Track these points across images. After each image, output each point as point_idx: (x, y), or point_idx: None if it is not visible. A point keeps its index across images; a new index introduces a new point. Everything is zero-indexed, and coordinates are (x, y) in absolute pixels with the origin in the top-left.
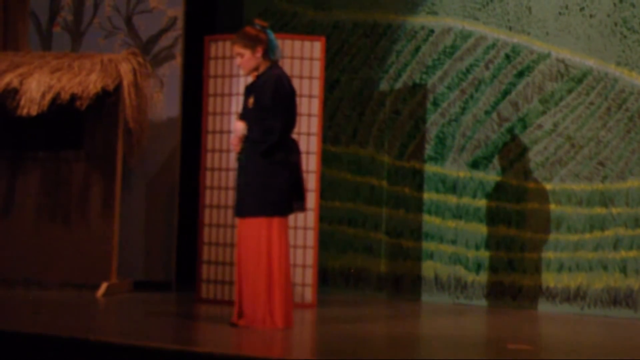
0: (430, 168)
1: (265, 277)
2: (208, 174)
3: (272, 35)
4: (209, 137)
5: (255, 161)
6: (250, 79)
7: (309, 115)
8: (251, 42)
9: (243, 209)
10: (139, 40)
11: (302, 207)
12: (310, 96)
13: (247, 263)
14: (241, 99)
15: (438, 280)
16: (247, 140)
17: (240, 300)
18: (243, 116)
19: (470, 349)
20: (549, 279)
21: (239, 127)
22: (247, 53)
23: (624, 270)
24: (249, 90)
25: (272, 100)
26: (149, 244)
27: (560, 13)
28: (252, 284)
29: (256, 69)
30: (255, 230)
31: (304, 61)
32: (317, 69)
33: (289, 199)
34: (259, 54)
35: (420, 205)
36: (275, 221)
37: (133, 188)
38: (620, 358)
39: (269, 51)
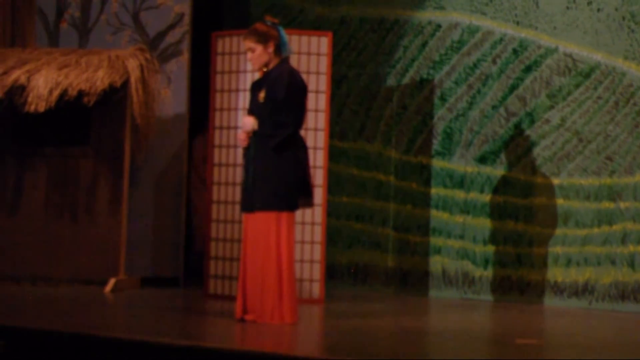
0: (437, 163)
1: (274, 272)
2: (215, 169)
3: (283, 32)
4: (216, 132)
5: (265, 156)
6: (257, 75)
7: (316, 110)
8: (263, 38)
9: (252, 204)
10: (146, 36)
11: (309, 203)
12: (317, 92)
13: (256, 258)
14: (248, 94)
15: (446, 275)
16: (256, 135)
17: (245, 295)
18: (252, 111)
19: (478, 344)
20: (557, 274)
21: (248, 122)
22: (258, 48)
23: (632, 264)
24: (258, 85)
25: (285, 95)
26: (157, 240)
27: (567, 7)
28: (261, 279)
29: (266, 64)
30: (264, 225)
31: (311, 57)
32: (324, 64)
33: (298, 194)
34: (270, 49)
35: (427, 201)
36: (284, 216)
37: (140, 184)
38: (628, 352)
39: (280, 47)
